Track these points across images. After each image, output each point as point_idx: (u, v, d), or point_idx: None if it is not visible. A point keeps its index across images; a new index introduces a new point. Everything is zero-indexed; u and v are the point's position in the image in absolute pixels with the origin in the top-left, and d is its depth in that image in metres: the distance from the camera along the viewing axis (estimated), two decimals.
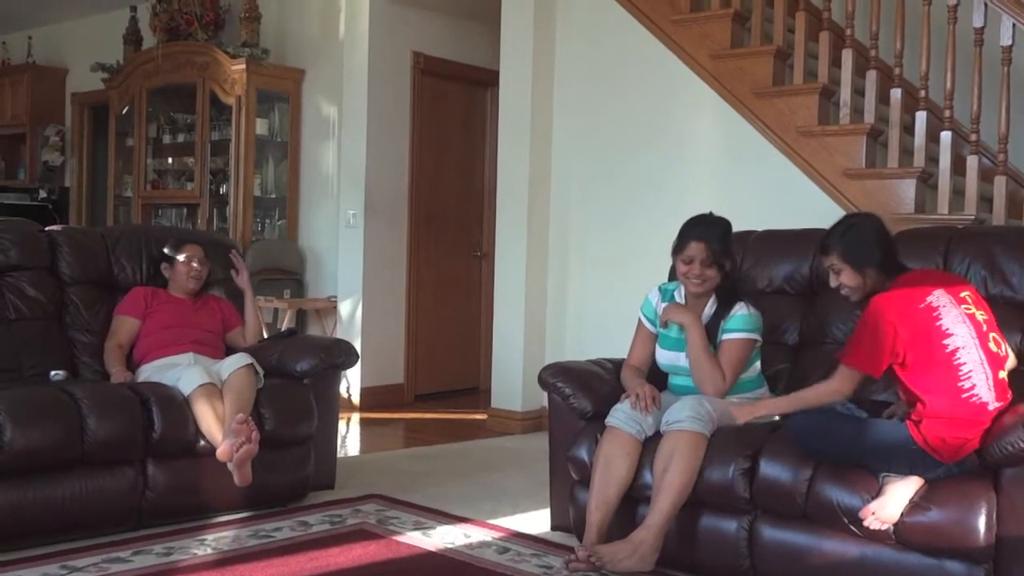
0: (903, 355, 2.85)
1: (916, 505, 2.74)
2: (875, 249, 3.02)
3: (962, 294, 2.93)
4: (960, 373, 2.81)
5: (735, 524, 3.07)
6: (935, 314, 2.85)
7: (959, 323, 2.84)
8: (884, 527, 2.77)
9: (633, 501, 3.22)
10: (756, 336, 3.33)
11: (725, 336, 3.31)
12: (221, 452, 3.49)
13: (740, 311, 3.30)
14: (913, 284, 2.94)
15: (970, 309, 2.89)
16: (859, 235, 3.05)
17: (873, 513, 2.78)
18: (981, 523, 2.65)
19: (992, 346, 2.87)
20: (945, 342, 2.82)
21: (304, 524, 3.63)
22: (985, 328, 2.89)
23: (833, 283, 3.11)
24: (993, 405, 2.80)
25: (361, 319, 6.32)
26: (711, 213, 3.48)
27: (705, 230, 3.36)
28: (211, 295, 4.24)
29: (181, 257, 4.11)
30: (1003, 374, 2.88)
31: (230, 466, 3.51)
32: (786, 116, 4.79)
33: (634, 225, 5.24)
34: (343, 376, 5.28)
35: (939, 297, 2.87)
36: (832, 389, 3.01)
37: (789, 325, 3.72)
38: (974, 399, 2.79)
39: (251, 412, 3.64)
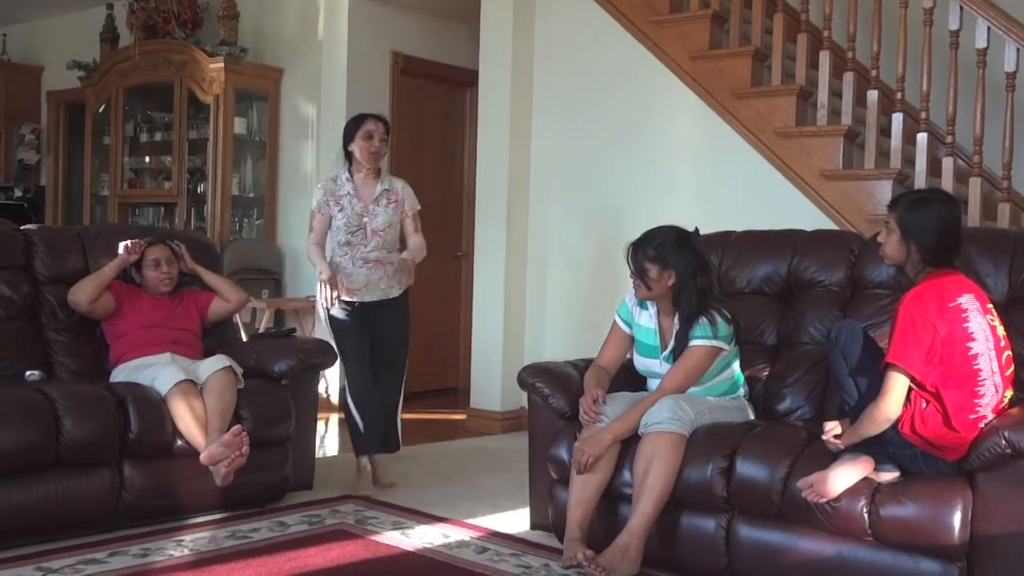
0: (938, 354, 2.79)
1: (892, 499, 2.76)
2: (934, 234, 2.92)
3: (988, 305, 2.91)
4: (978, 379, 2.80)
5: (713, 523, 3.09)
6: (963, 315, 2.81)
7: (981, 331, 2.82)
8: (821, 501, 2.79)
9: (613, 499, 3.23)
10: (719, 344, 3.31)
11: (689, 343, 3.32)
12: (205, 457, 3.47)
13: (701, 321, 3.31)
14: (946, 283, 2.87)
15: (994, 321, 2.87)
16: (927, 213, 2.94)
17: (811, 485, 2.81)
18: (956, 520, 2.67)
19: (1004, 362, 2.85)
20: (969, 344, 2.80)
21: (282, 524, 3.61)
22: (1003, 344, 2.87)
23: (880, 239, 3.07)
24: (987, 421, 2.78)
25: None
26: (659, 226, 3.42)
27: (636, 245, 3.36)
28: (185, 291, 4.20)
29: (148, 261, 4.06)
30: (1009, 394, 2.86)
31: (213, 469, 3.49)
32: (764, 117, 4.82)
33: (613, 226, 5.25)
34: (321, 376, 5.26)
35: (969, 301, 2.85)
36: (882, 406, 2.81)
37: (767, 325, 3.74)
38: (979, 409, 2.78)
39: (232, 414, 3.62)
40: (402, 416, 4.37)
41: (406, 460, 4.87)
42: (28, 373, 3.75)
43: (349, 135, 4.24)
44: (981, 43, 4.23)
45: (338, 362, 4.26)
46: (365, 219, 4.17)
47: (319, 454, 4.56)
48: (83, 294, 3.88)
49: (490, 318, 5.74)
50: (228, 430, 3.53)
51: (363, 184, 4.22)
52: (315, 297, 6.53)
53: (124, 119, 7.17)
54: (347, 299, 4.19)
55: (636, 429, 3.19)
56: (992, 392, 2.81)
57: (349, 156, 4.25)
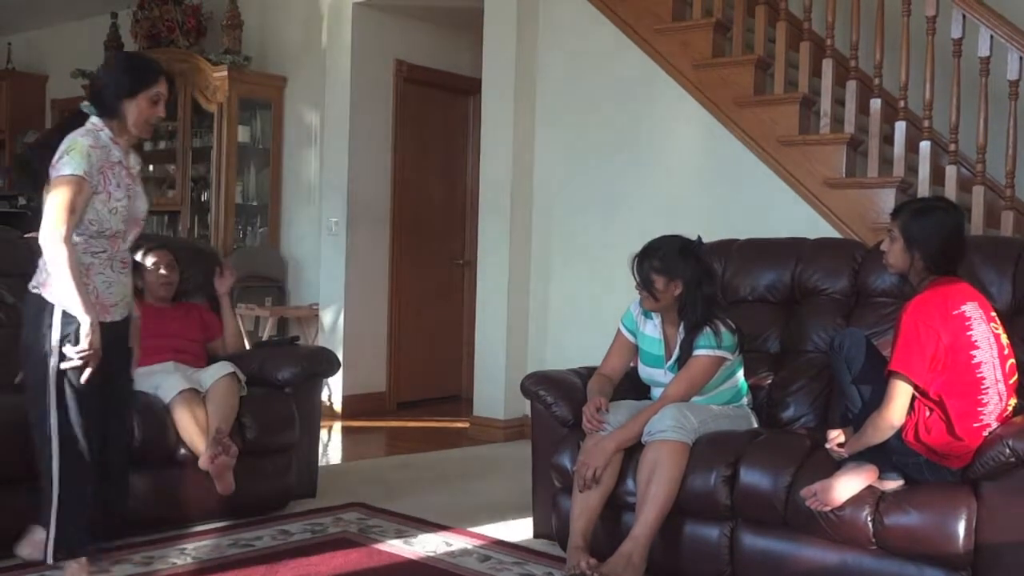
0: (941, 362, 2.79)
1: (896, 507, 2.75)
2: (937, 242, 2.92)
3: (992, 313, 2.90)
4: (981, 387, 2.79)
5: (717, 531, 3.09)
6: (967, 323, 2.81)
7: (985, 339, 2.81)
8: (825, 509, 2.79)
9: (617, 508, 3.23)
10: (723, 353, 3.30)
11: (693, 352, 3.32)
12: (203, 461, 3.48)
13: (706, 331, 3.30)
14: (950, 291, 2.87)
15: (997, 329, 2.87)
16: (930, 221, 2.94)
17: (815, 494, 2.80)
18: (960, 529, 2.67)
19: (1008, 370, 2.85)
20: (972, 353, 2.80)
21: (285, 533, 3.61)
22: (1007, 352, 2.87)
23: (884, 247, 3.07)
24: (991, 430, 2.78)
25: (343, 327, 6.31)
26: (662, 236, 3.42)
27: (641, 257, 3.35)
28: (192, 303, 4.21)
29: (148, 264, 4.06)
30: (1013, 402, 2.86)
31: (213, 474, 3.50)
32: (767, 125, 4.82)
33: (617, 234, 5.26)
34: (325, 384, 5.27)
35: (973, 309, 2.84)
36: (886, 414, 2.80)
37: (770, 333, 3.74)
38: (983, 417, 2.78)
39: (234, 421, 3.63)
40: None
41: (410, 468, 4.86)
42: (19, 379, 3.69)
43: (129, 87, 2.95)
44: (984, 51, 4.24)
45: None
46: (136, 202, 3.02)
47: (322, 462, 4.56)
48: None
49: (493, 325, 5.74)
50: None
51: (126, 156, 3.02)
52: (317, 305, 6.53)
53: None
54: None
55: (639, 437, 3.19)
56: (996, 400, 2.80)
57: (112, 113, 2.96)
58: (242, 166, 6.77)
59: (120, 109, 2.94)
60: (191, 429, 3.52)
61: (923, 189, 4.38)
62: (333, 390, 6.25)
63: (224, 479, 3.51)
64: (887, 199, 4.42)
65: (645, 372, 3.49)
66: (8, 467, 3.16)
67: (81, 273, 2.82)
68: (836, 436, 2.95)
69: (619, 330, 3.54)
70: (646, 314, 3.46)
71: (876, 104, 4.56)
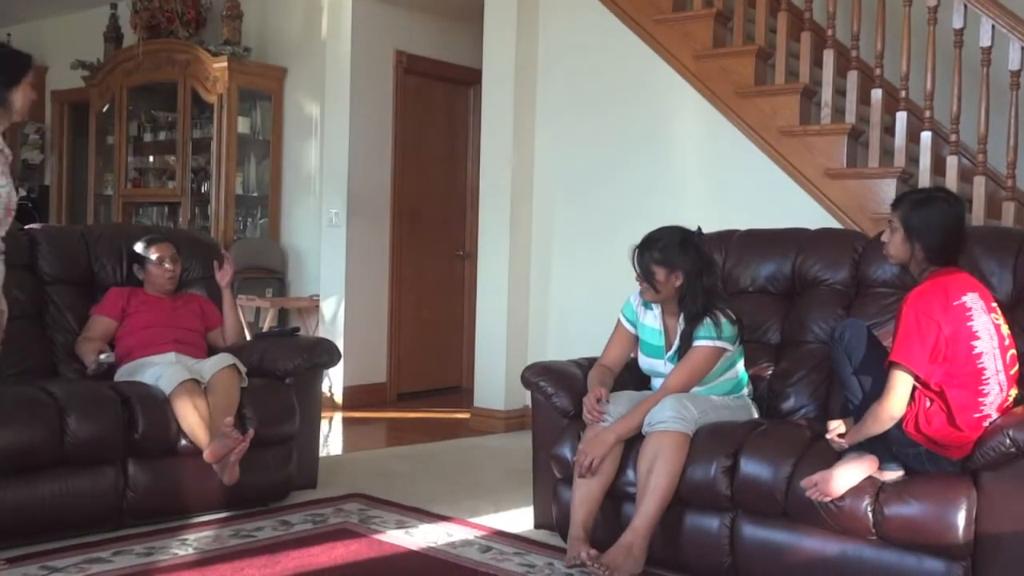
0: (942, 353, 2.79)
1: (896, 497, 2.76)
2: (937, 233, 2.93)
3: (993, 303, 2.90)
4: (982, 377, 2.79)
5: (717, 522, 3.09)
6: (968, 314, 2.81)
7: (985, 329, 2.81)
8: (825, 500, 2.79)
9: (617, 498, 3.23)
10: (723, 344, 3.29)
11: (693, 343, 3.32)
12: (209, 454, 3.48)
13: (706, 321, 3.29)
14: (950, 281, 2.87)
15: (998, 320, 2.87)
16: (931, 212, 2.95)
17: (815, 484, 2.81)
18: (960, 519, 2.67)
19: (1009, 361, 2.84)
20: (973, 343, 2.80)
21: (286, 524, 3.62)
22: (1007, 343, 2.87)
23: (884, 237, 3.07)
24: (991, 420, 2.78)
25: (344, 318, 6.31)
26: (662, 227, 3.41)
27: (641, 248, 3.34)
28: (192, 293, 4.22)
29: (152, 258, 4.06)
30: (1014, 393, 2.86)
31: (216, 467, 3.50)
32: (768, 116, 4.82)
33: (617, 224, 5.25)
34: (325, 375, 5.27)
35: (973, 300, 2.84)
36: (886, 405, 2.81)
37: (771, 324, 3.74)
38: (984, 408, 2.78)
39: (236, 412, 3.63)
40: None
41: (410, 459, 4.87)
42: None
43: (13, 76, 3.04)
44: (985, 41, 4.23)
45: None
46: (12, 191, 3.05)
47: (323, 453, 4.56)
48: (83, 347, 3.86)
49: (493, 317, 5.74)
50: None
51: (4, 144, 3.06)
52: (318, 296, 6.52)
53: (128, 119, 7.19)
54: None
55: (640, 428, 3.19)
56: (996, 391, 2.80)
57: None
58: (242, 157, 6.77)
59: (8, 98, 3.03)
60: (192, 420, 3.52)
61: (924, 179, 4.37)
62: (334, 381, 6.25)
63: (232, 469, 3.51)
64: (888, 189, 4.41)
65: (645, 363, 3.49)
66: None
67: None
68: (836, 427, 2.95)
69: (619, 321, 3.54)
70: (646, 305, 3.46)
71: (877, 94, 4.55)
